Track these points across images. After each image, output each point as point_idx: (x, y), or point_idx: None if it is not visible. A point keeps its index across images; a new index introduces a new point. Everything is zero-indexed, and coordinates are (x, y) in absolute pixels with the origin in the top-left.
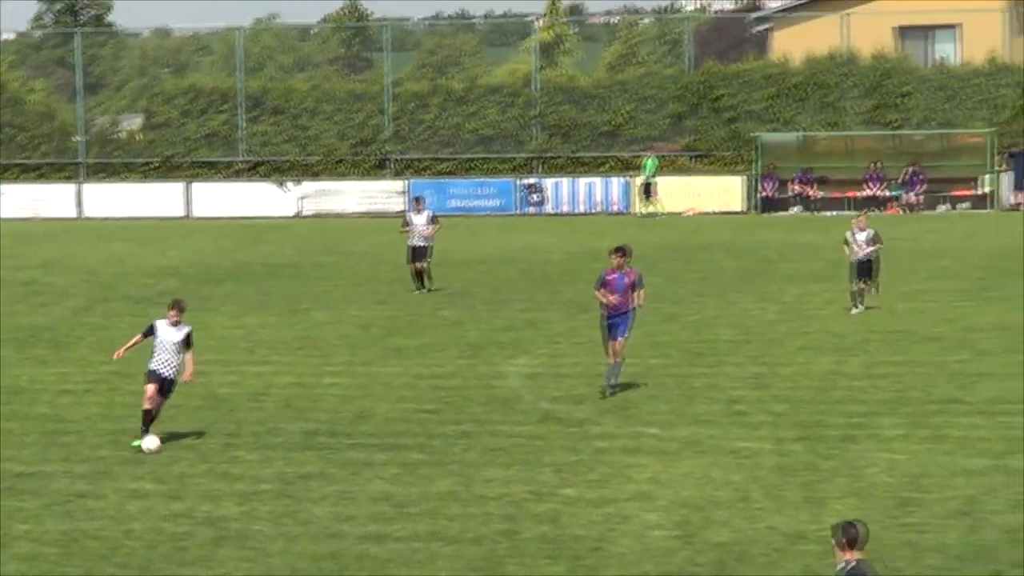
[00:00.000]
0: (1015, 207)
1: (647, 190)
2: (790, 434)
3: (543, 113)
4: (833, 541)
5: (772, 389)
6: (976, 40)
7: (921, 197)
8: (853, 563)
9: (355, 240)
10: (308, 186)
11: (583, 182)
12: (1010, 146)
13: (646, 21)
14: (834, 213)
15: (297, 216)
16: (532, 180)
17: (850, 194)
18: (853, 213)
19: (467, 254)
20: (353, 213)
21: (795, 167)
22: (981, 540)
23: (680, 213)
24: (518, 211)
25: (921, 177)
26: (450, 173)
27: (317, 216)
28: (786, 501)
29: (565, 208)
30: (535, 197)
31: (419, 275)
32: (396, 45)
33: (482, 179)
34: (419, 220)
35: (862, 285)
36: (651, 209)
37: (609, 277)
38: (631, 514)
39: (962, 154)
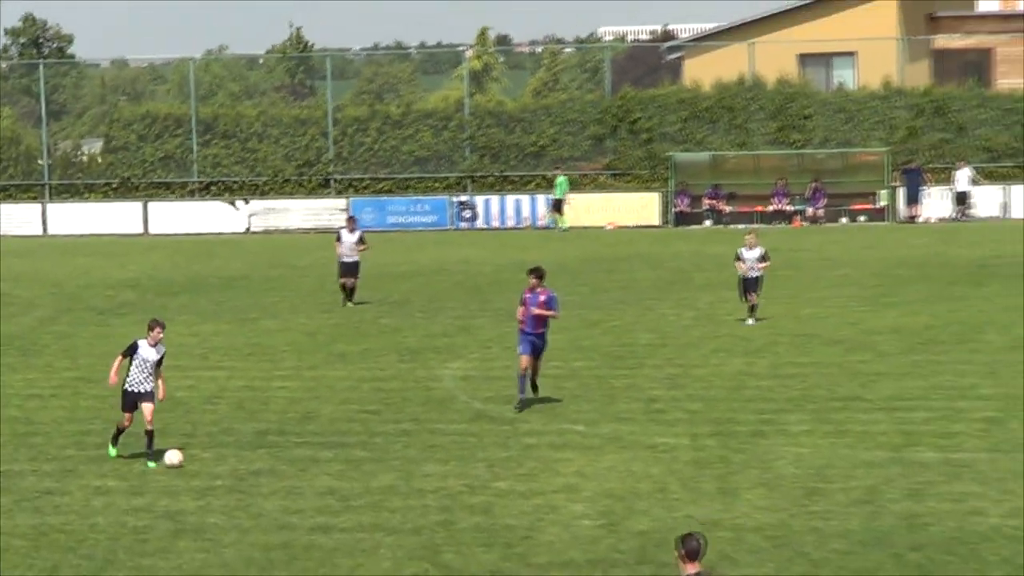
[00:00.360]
0: (909, 220)
1: (557, 206)
2: (704, 430)
3: (473, 136)
4: (675, 553)
5: (687, 389)
6: (871, 66)
7: (823, 211)
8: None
9: (301, 254)
10: (257, 204)
11: (511, 199)
12: (904, 163)
13: (568, 50)
14: (743, 226)
15: (247, 232)
16: (464, 197)
17: (758, 209)
18: (764, 227)
19: (405, 266)
20: (299, 229)
21: (706, 184)
22: (881, 526)
23: (602, 227)
24: (451, 226)
25: (823, 192)
26: (388, 191)
27: (265, 232)
28: (701, 492)
29: (495, 223)
30: (467, 213)
31: (346, 290)
32: (337, 73)
33: (418, 197)
34: (349, 239)
35: (751, 299)
36: (559, 223)
37: (526, 297)
38: (558, 505)
39: (860, 171)
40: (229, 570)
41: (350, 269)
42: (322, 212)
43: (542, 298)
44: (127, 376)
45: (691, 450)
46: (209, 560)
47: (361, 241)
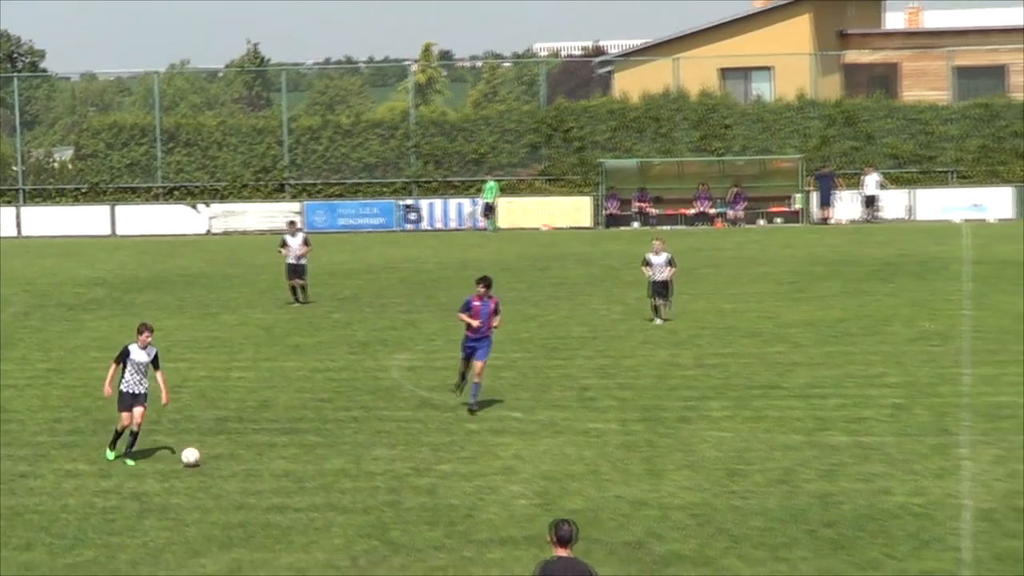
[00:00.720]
0: (822, 221)
1: (488, 209)
2: (633, 416)
3: (419, 144)
4: (548, 537)
5: (617, 378)
6: (787, 80)
7: (742, 213)
8: (554, 559)
9: (258, 254)
10: (217, 208)
11: (454, 202)
12: (816, 169)
13: (506, 65)
14: (669, 227)
15: (208, 234)
16: (410, 201)
17: (682, 211)
18: (688, 228)
19: (355, 265)
20: (256, 230)
21: (635, 188)
22: (796, 504)
23: (537, 228)
24: (398, 228)
25: (742, 196)
26: (339, 196)
27: (225, 233)
28: (630, 473)
29: (438, 225)
30: (412, 216)
31: (295, 291)
32: (291, 86)
33: (367, 201)
34: (294, 242)
35: (659, 302)
36: (491, 225)
37: (474, 304)
38: (498, 486)
39: (776, 176)
40: (192, 547)
41: (297, 271)
42: (278, 215)
43: (492, 305)
44: (122, 379)
45: (620, 435)
46: (173, 538)
47: (306, 243)
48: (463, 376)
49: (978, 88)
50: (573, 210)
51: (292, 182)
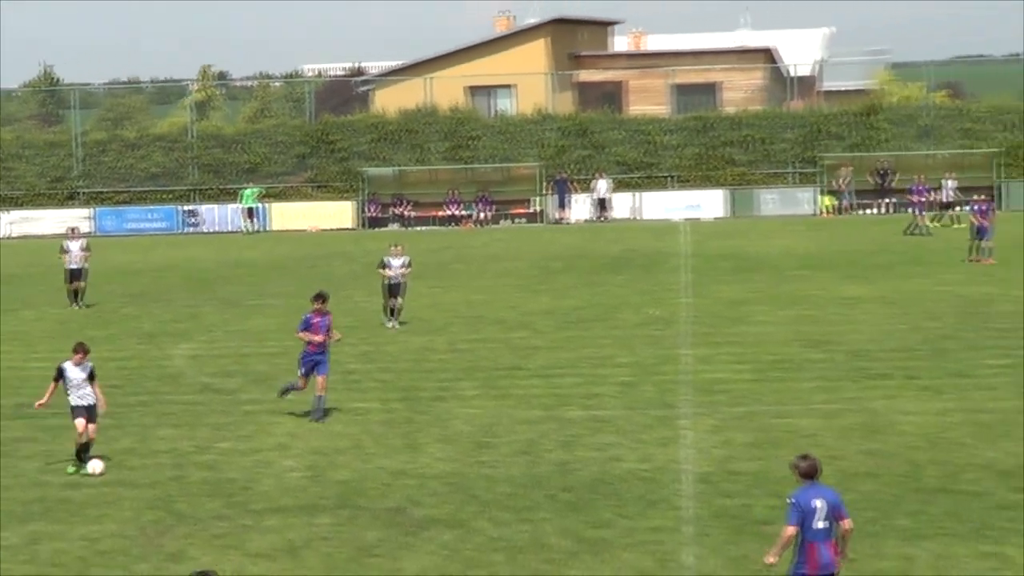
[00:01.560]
0: (559, 221)
1: (249, 213)
2: (393, 396)
3: (199, 155)
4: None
5: (378, 362)
6: (527, 96)
7: (489, 215)
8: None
9: (53, 256)
10: (15, 214)
11: (231, 207)
12: (553, 175)
13: (276, 84)
14: (424, 228)
15: (7, 238)
16: (191, 207)
17: (435, 213)
18: (440, 228)
19: (141, 265)
20: (52, 235)
21: (393, 193)
22: (539, 472)
23: (305, 230)
24: (180, 231)
25: (488, 200)
26: (127, 202)
27: (23, 238)
28: (391, 447)
29: (218, 228)
30: (193, 220)
31: (75, 293)
32: (82, 104)
33: (152, 207)
34: (74, 246)
35: (394, 302)
36: (249, 227)
37: (314, 320)
38: (272, 461)
39: (518, 182)
40: None
41: (77, 275)
42: (71, 220)
43: (329, 320)
44: (68, 395)
45: (382, 413)
46: None
47: (86, 248)
48: (296, 388)
49: (694, 103)
50: (338, 213)
51: (84, 191)
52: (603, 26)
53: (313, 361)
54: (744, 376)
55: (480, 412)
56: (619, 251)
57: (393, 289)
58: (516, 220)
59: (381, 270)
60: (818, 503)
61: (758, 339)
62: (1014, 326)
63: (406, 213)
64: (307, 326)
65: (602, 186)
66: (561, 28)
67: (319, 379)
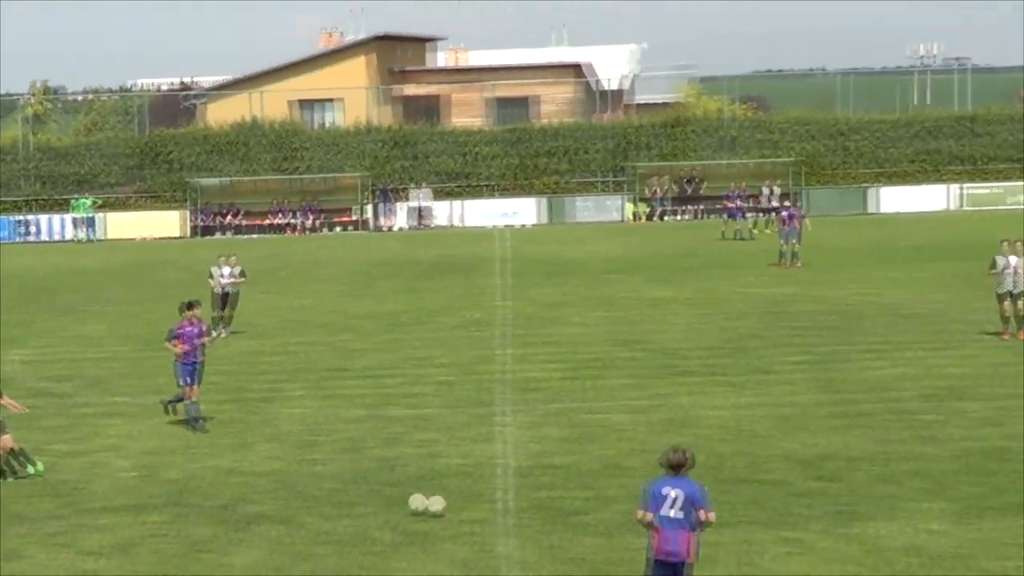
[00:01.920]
0: (380, 229)
1: (83, 222)
2: (223, 397)
3: (33, 167)
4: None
5: (209, 365)
6: (352, 109)
7: (316, 222)
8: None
9: None
10: None
11: (68, 217)
12: (377, 185)
13: (109, 98)
14: (256, 236)
15: None
16: (25, 217)
17: (263, 222)
18: (268, 236)
19: None
20: None
21: (223, 203)
22: (363, 468)
23: (136, 239)
24: (16, 241)
25: (314, 208)
26: None
27: None
28: (222, 446)
29: (55, 237)
30: (27, 230)
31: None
32: None
33: None
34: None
35: (223, 313)
36: (83, 236)
37: (185, 330)
38: (106, 462)
39: (343, 191)
40: None
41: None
42: None
43: (202, 328)
44: None
45: (213, 413)
46: None
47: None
48: (181, 399)
49: (511, 116)
50: (169, 223)
51: None
52: (424, 42)
53: (190, 369)
54: (559, 374)
55: (307, 412)
56: (440, 257)
57: (223, 299)
58: (341, 228)
59: (210, 280)
60: (671, 492)
61: (572, 339)
62: (813, 324)
63: (235, 222)
64: (176, 336)
65: (423, 195)
66: (384, 44)
67: (193, 389)
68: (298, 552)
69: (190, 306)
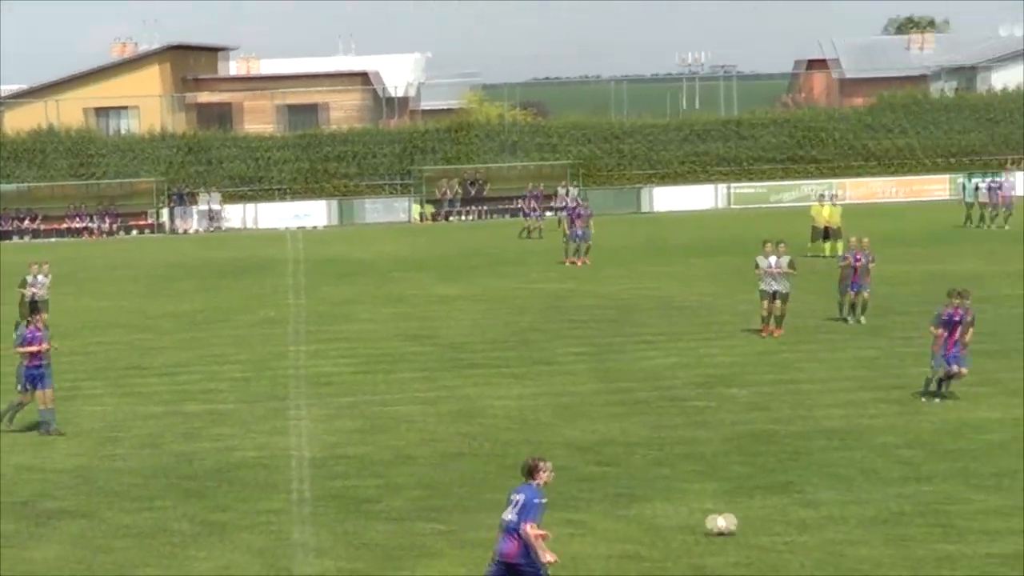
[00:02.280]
0: (176, 232)
1: None
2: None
3: None
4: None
5: (10, 364)
6: (147, 116)
7: (113, 226)
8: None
9: None
10: None
11: None
12: (172, 190)
13: None
14: (54, 240)
15: None
16: None
17: (63, 226)
18: (66, 240)
19: None
20: None
21: (20, 208)
22: (162, 463)
23: None
24: None
25: (111, 212)
26: None
27: None
28: (22, 444)
29: None
30: None
31: None
32: None
33: None
34: None
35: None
36: None
37: (36, 335)
38: None
39: (140, 196)
40: None
41: None
42: None
43: (46, 334)
44: None
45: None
46: None
47: None
48: (23, 405)
49: (301, 122)
50: None
51: None
52: (217, 52)
53: (35, 375)
54: (351, 369)
55: (107, 409)
56: (234, 258)
57: (31, 306)
58: (138, 231)
59: (21, 288)
60: (515, 497)
61: (363, 335)
62: (591, 318)
63: (33, 226)
64: (26, 340)
65: (213, 198)
66: (177, 54)
67: (46, 392)
68: (99, 545)
69: (36, 312)
